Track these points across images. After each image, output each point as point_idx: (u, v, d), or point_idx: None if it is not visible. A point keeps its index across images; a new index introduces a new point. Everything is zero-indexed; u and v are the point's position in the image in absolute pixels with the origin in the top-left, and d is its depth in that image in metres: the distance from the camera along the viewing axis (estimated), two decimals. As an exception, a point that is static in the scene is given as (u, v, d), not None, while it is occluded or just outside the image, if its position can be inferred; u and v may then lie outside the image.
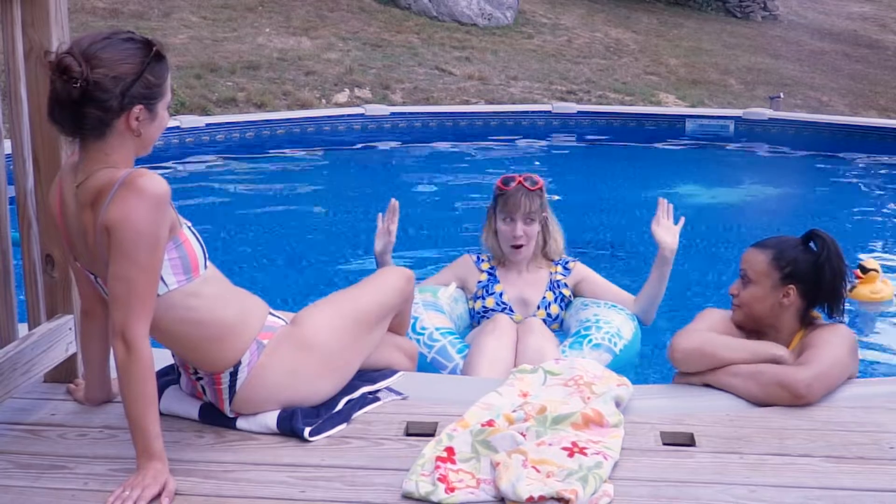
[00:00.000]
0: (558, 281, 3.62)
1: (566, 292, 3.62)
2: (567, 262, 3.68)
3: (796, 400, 2.55)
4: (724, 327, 2.87)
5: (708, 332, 2.78)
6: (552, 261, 3.67)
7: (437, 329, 3.31)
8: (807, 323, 2.83)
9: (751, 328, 2.86)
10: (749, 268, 2.82)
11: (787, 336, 2.82)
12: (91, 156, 2.13)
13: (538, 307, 3.56)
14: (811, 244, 2.83)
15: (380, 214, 3.52)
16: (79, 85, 2.01)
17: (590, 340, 3.28)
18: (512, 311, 3.53)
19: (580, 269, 3.67)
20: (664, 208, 3.53)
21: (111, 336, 2.07)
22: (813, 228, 2.86)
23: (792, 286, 2.77)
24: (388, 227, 3.46)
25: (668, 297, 4.78)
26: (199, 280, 2.23)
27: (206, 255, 2.28)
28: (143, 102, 2.11)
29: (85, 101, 2.04)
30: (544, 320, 3.49)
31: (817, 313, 2.87)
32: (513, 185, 3.50)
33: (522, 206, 3.46)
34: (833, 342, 2.68)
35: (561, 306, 3.59)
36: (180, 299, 2.20)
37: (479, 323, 3.55)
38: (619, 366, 3.12)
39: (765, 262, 2.80)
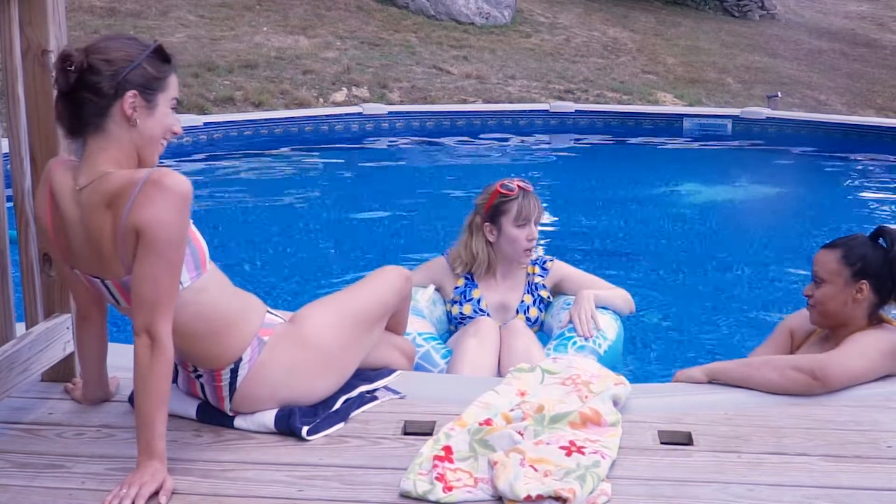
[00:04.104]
0: (536, 283, 3.53)
1: (544, 294, 3.53)
2: (545, 262, 3.57)
3: (813, 383, 2.60)
4: (802, 330, 2.99)
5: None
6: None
7: (419, 334, 3.24)
8: (875, 322, 2.84)
9: (828, 326, 2.90)
10: (820, 268, 2.85)
11: (853, 333, 2.81)
12: (93, 155, 2.13)
13: (517, 311, 3.48)
14: (880, 240, 2.85)
15: None
16: (74, 69, 2.04)
17: (574, 342, 3.23)
18: (490, 317, 3.43)
19: (558, 268, 3.57)
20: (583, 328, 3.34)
21: (135, 334, 2.07)
22: (881, 225, 2.89)
23: (864, 282, 2.79)
24: None
25: (665, 295, 4.80)
26: (207, 275, 2.24)
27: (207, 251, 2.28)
28: (139, 89, 2.11)
29: (81, 87, 2.06)
30: None
31: (888, 317, 2.88)
32: (516, 190, 3.42)
33: (535, 209, 3.43)
34: (866, 341, 2.72)
35: (540, 308, 3.51)
36: (192, 296, 2.21)
37: (457, 328, 3.47)
38: (606, 366, 3.10)
39: (834, 261, 2.83)
